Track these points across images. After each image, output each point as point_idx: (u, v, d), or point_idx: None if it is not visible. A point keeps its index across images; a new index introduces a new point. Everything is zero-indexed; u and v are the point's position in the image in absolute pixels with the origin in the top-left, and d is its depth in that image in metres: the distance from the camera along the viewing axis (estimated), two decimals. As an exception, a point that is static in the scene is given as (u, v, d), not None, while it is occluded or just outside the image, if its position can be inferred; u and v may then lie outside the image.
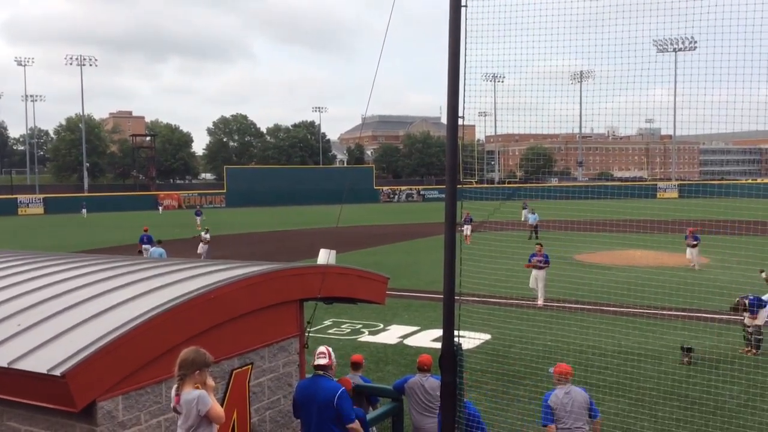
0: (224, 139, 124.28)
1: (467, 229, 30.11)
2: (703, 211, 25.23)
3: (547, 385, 8.34)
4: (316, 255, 8.33)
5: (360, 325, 16.60)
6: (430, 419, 7.84)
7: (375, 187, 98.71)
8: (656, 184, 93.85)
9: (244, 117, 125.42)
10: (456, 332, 7.21)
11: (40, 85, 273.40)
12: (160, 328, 5.71)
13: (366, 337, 15.59)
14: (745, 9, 6.14)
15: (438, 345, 7.69)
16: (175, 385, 5.19)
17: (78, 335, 5.47)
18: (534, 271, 19.01)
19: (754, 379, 11.05)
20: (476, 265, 11.10)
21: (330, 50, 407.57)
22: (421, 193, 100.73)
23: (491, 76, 44.20)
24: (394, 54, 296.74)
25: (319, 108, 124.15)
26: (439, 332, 7.88)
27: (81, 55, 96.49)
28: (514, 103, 8.37)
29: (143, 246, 27.97)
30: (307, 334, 7.78)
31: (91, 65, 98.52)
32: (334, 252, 8.25)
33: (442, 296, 7.28)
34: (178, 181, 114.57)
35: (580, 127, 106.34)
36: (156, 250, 23.83)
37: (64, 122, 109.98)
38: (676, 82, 21.69)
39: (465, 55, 7.06)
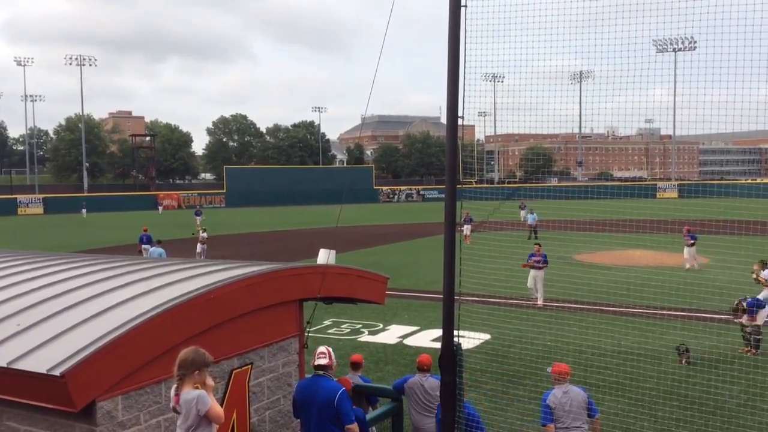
0: (224, 139, 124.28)
1: (467, 229, 30.14)
2: (702, 211, 25.19)
3: (546, 385, 8.34)
4: (316, 255, 8.32)
5: (360, 325, 16.60)
6: (430, 419, 7.84)
7: (374, 187, 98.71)
8: (656, 184, 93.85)
9: (244, 117, 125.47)
10: (456, 332, 7.20)
11: (39, 85, 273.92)
12: (159, 328, 5.71)
13: (366, 337, 15.60)
14: (745, 9, 6.15)
15: (438, 345, 7.69)
16: (175, 385, 5.18)
17: (77, 335, 5.47)
18: (532, 272, 19.03)
19: (754, 379, 11.06)
20: (476, 265, 11.11)
21: (330, 50, 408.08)
22: (421, 193, 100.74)
23: (491, 76, 44.28)
24: (394, 54, 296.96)
25: (318, 108, 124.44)
26: (438, 332, 7.87)
27: (81, 55, 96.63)
28: (514, 103, 8.37)
29: (143, 246, 28.03)
30: (306, 334, 7.78)
31: (90, 65, 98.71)
32: (333, 252, 8.24)
33: (441, 296, 7.27)
34: (178, 181, 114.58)
35: (580, 127, 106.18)
36: (156, 250, 23.85)
37: (63, 122, 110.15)
38: (675, 82, 21.74)
39: (465, 55, 7.06)
